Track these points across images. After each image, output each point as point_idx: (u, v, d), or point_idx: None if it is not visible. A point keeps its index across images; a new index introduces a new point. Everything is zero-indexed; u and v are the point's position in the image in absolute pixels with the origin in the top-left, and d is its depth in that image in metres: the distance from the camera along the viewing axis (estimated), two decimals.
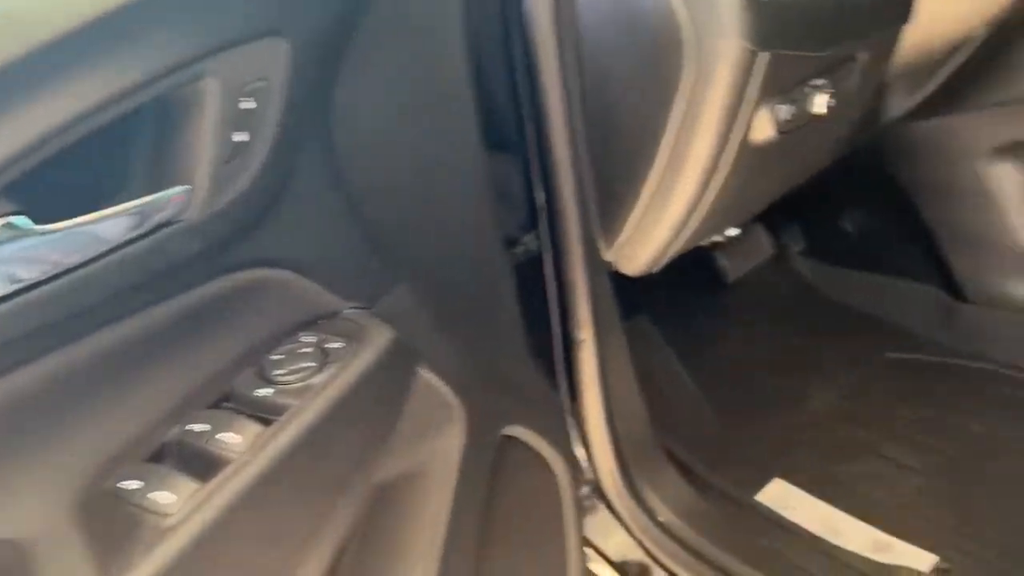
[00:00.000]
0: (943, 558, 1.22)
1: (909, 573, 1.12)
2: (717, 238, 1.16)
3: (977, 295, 1.52)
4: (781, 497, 1.37)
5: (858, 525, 1.30)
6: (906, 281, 1.61)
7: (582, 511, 0.91)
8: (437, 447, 0.70)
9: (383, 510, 0.71)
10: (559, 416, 0.92)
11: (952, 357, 1.54)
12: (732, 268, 1.60)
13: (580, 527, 0.90)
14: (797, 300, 1.71)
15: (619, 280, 1.15)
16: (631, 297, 1.55)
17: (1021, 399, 1.01)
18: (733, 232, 1.15)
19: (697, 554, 1.15)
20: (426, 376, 0.67)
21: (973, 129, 1.40)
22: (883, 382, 1.53)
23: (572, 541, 0.90)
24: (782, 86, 0.89)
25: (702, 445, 1.45)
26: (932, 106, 1.41)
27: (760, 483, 1.40)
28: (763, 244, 1.63)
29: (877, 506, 1.32)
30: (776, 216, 1.74)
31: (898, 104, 1.26)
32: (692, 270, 1.65)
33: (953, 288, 1.55)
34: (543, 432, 0.85)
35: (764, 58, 0.85)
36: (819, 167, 1.19)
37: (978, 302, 1.52)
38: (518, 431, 0.81)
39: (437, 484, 0.70)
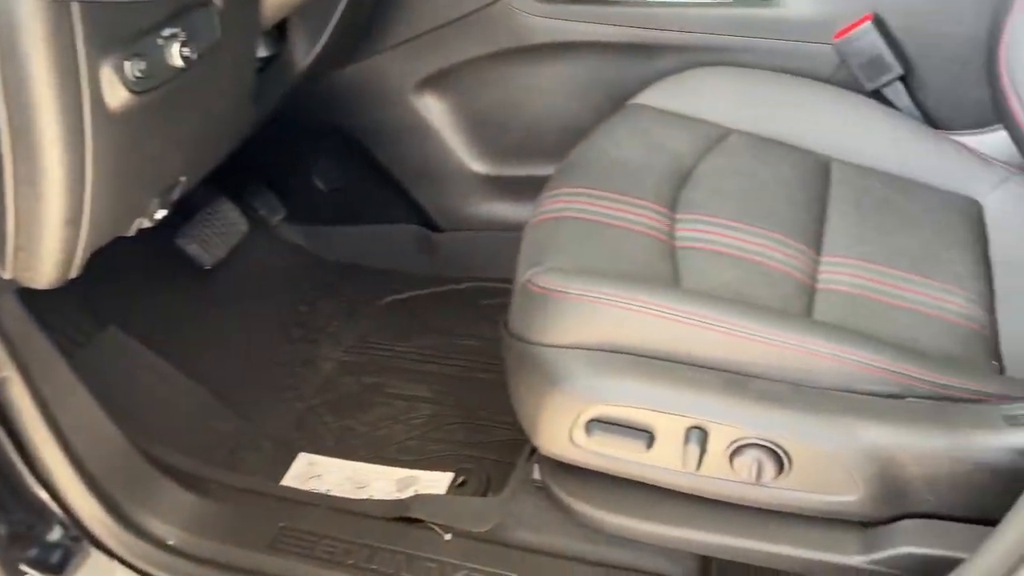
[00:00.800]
0: (458, 473, 1.28)
1: (425, 499, 1.15)
2: (147, 223, 1.03)
3: (446, 222, 1.61)
4: (308, 470, 1.33)
5: (382, 471, 1.31)
6: (386, 225, 1.66)
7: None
8: None
9: None
10: None
11: (441, 285, 1.62)
12: (207, 254, 1.50)
13: None
14: (290, 268, 1.67)
15: (81, 294, 1.00)
16: (99, 310, 1.38)
17: (504, 306, 1.08)
18: (161, 214, 1.03)
19: (212, 563, 1.06)
20: None
21: (395, 67, 1.46)
22: (384, 326, 1.56)
23: None
24: (119, 38, 0.80)
25: (217, 446, 1.35)
26: (355, 50, 1.44)
27: (287, 463, 1.34)
28: (235, 221, 1.55)
29: (397, 445, 1.35)
30: (248, 189, 1.67)
31: (304, 52, 1.25)
32: (166, 267, 1.52)
33: (427, 221, 1.62)
34: None
35: (75, 8, 0.74)
36: (236, 125, 1.12)
37: (449, 228, 1.61)
38: None
39: None
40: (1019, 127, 1.10)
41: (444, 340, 1.52)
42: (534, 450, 1.08)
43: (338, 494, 1.26)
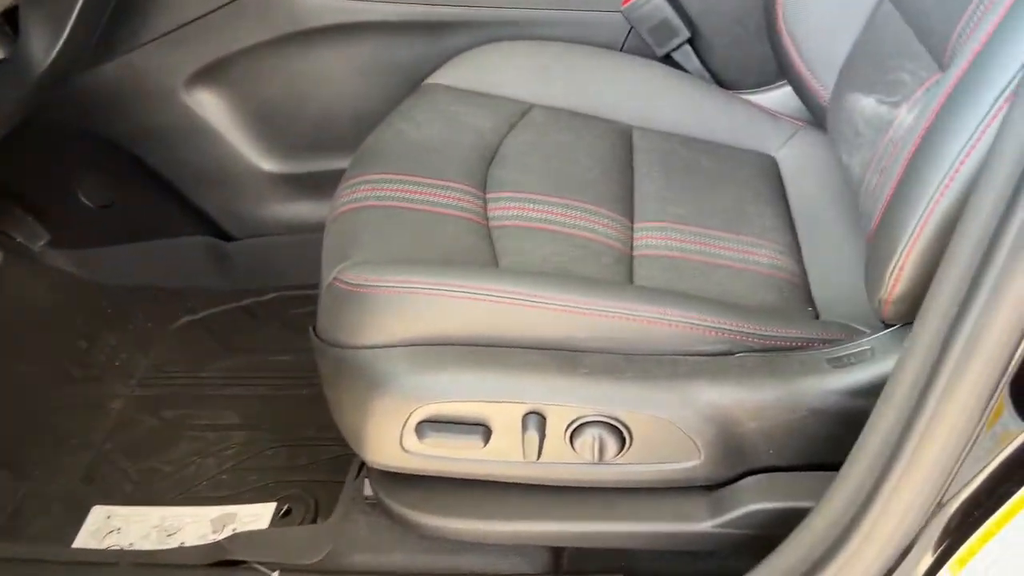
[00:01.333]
0: (281, 501, 1.16)
1: (246, 537, 1.02)
2: None
3: (240, 230, 1.47)
4: (105, 525, 1.16)
5: (196, 512, 1.17)
6: (171, 239, 1.49)
7: None
8: None
9: None
10: None
11: (241, 299, 1.48)
12: None
13: None
14: (62, 299, 1.47)
15: None
16: None
17: (305, 314, 0.99)
18: None
19: None
20: None
21: (160, 62, 1.30)
22: (181, 351, 1.40)
23: None
24: None
25: None
26: (110, 44, 1.27)
27: (79, 521, 1.17)
28: None
29: (209, 482, 1.21)
30: None
31: (43, 49, 1.08)
32: None
33: (218, 231, 1.48)
34: None
35: None
36: None
37: (243, 236, 1.47)
38: None
39: None
40: (802, 81, 1.14)
41: (252, 359, 1.39)
42: (363, 464, 0.99)
43: (143, 547, 1.10)
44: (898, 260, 0.70)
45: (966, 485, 0.63)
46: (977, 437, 0.60)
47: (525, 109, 1.17)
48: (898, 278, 0.70)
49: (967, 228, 0.54)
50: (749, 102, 1.23)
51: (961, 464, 0.61)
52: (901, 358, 0.63)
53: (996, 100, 0.63)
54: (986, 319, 0.53)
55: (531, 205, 0.99)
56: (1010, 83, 0.62)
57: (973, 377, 0.55)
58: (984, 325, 0.53)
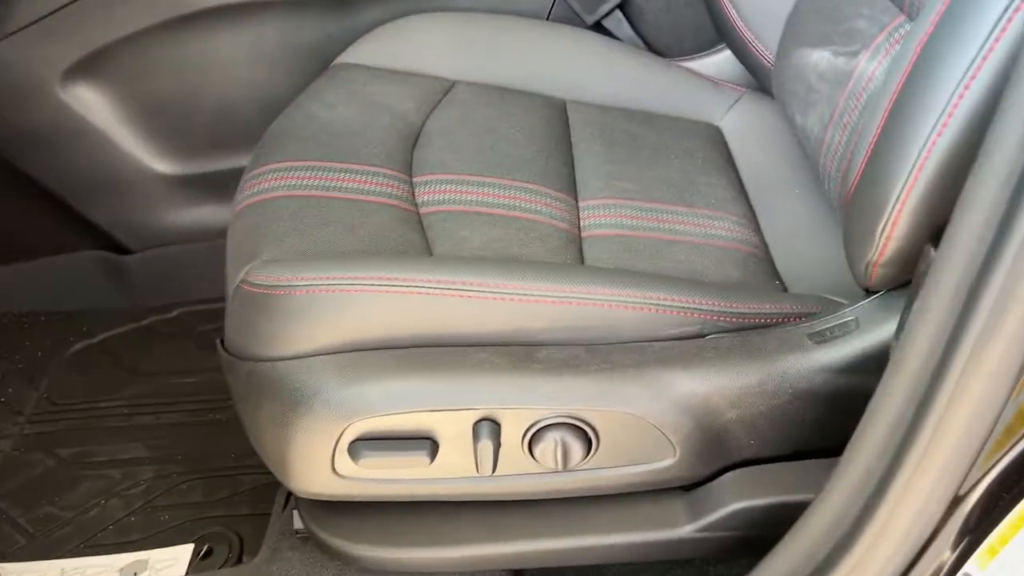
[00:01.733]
0: (200, 541, 1.03)
1: None
2: None
3: (135, 241, 1.32)
4: None
5: (102, 562, 1.03)
6: (61, 256, 1.34)
7: None
8: None
9: None
10: None
11: (142, 318, 1.33)
12: None
13: None
14: None
15: None
16: None
17: (215, 330, 0.87)
18: None
19: None
20: None
21: (29, 54, 1.15)
22: (77, 380, 1.25)
23: None
24: None
25: None
26: None
27: None
28: None
29: (115, 525, 1.07)
30: None
31: None
32: None
33: (111, 243, 1.33)
34: None
35: None
36: None
37: (140, 248, 1.33)
38: None
39: None
40: (743, 42, 1.06)
41: (158, 384, 1.24)
42: (291, 494, 0.87)
43: None
44: (890, 215, 0.62)
45: (992, 467, 0.54)
46: (1002, 411, 0.52)
47: (448, 86, 1.06)
48: (891, 235, 0.62)
49: (991, 159, 0.46)
50: (687, 69, 1.15)
51: (986, 441, 0.53)
52: (909, 324, 0.55)
53: (998, 21, 0.55)
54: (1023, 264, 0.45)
55: (464, 187, 0.89)
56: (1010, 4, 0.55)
57: (1007, 337, 0.47)
58: (1022, 272, 0.45)
